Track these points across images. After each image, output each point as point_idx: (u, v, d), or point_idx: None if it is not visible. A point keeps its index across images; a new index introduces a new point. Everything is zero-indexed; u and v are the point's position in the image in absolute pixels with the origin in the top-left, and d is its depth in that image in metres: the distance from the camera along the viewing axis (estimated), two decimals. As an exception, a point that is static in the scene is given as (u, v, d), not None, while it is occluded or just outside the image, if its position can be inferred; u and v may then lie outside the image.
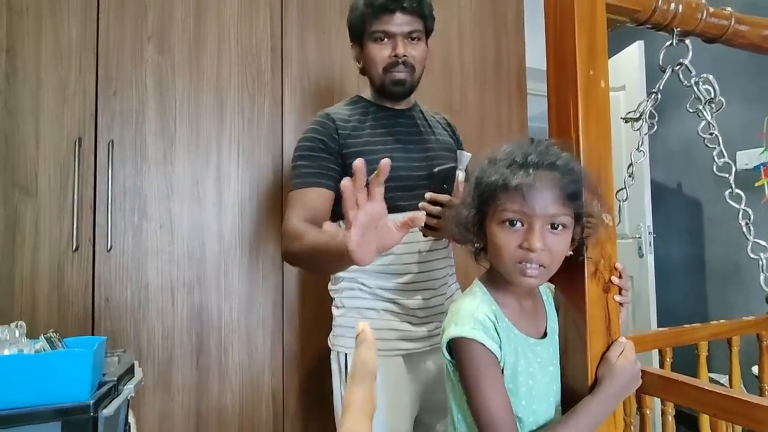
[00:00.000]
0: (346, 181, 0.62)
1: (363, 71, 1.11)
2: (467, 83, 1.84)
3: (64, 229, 1.29)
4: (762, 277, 0.84)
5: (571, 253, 0.69)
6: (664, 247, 2.64)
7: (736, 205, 0.80)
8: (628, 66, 2.41)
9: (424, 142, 1.10)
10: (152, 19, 1.41)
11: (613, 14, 0.78)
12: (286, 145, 1.54)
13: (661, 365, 1.07)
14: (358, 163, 0.62)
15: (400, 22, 1.02)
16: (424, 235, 0.96)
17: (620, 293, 0.73)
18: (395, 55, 1.03)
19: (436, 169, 0.92)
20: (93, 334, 1.31)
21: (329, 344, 1.09)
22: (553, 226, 0.64)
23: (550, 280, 0.72)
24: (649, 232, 2.38)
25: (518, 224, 0.64)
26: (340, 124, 1.05)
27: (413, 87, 1.09)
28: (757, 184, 0.78)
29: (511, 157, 0.66)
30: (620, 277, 0.73)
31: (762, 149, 0.86)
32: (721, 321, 1.09)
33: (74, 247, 1.29)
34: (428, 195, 0.91)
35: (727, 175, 0.80)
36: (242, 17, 1.51)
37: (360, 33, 1.07)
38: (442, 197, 0.90)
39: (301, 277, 1.53)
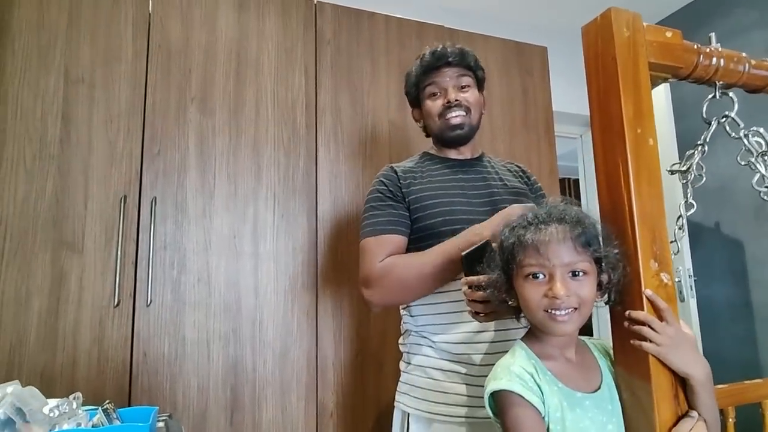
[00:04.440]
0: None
1: (425, 130, 1.17)
2: (496, 134, 1.86)
3: (107, 285, 1.32)
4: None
5: (599, 299, 0.71)
6: (706, 290, 2.52)
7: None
8: (654, 107, 2.40)
9: (488, 188, 1.10)
10: (195, 81, 1.49)
11: (655, 72, 0.78)
12: (320, 198, 1.56)
13: (724, 427, 0.99)
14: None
15: (448, 75, 1.10)
16: (479, 320, 0.90)
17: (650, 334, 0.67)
18: (448, 101, 1.09)
19: (464, 253, 0.86)
20: (130, 388, 1.31)
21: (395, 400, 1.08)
22: (575, 274, 0.68)
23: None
24: (690, 275, 2.29)
25: (541, 276, 0.68)
26: (402, 174, 1.10)
27: (472, 129, 1.12)
28: None
29: (525, 219, 0.72)
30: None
31: None
32: (785, 376, 1.02)
33: (116, 303, 1.32)
34: (463, 281, 0.86)
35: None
36: (279, 76, 1.58)
37: (416, 95, 1.15)
38: (480, 278, 0.83)
39: (336, 330, 1.52)
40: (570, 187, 5.21)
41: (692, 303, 2.28)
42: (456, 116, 1.09)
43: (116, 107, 1.40)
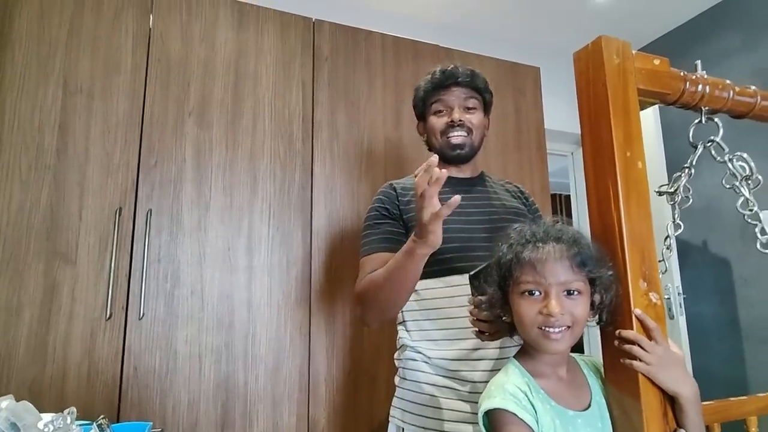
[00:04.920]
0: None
1: (428, 145, 1.18)
2: (489, 151, 1.89)
3: (99, 297, 1.31)
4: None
5: (591, 318, 0.72)
6: (695, 308, 2.55)
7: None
8: (644, 129, 2.45)
9: (487, 207, 1.11)
10: (193, 94, 1.50)
11: (644, 98, 0.81)
12: (315, 212, 1.58)
13: (710, 444, 1.00)
14: (434, 159, 0.78)
15: (456, 94, 1.12)
16: (482, 339, 0.91)
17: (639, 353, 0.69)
18: (452, 120, 1.11)
19: (471, 272, 0.85)
20: (120, 402, 1.30)
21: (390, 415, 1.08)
22: (569, 292, 0.69)
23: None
24: (679, 293, 2.32)
25: (536, 293, 0.69)
26: (400, 191, 1.11)
27: (473, 150, 1.14)
28: None
29: (522, 236, 0.73)
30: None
31: None
32: (770, 393, 1.04)
33: (108, 316, 1.31)
34: (469, 300, 0.87)
35: (771, 253, 0.80)
36: (276, 91, 1.61)
37: (423, 110, 1.17)
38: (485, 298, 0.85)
39: (328, 345, 1.52)
40: (561, 204, 5.28)
41: (681, 321, 2.30)
42: (458, 136, 1.11)
43: (114, 119, 1.41)
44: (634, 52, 0.79)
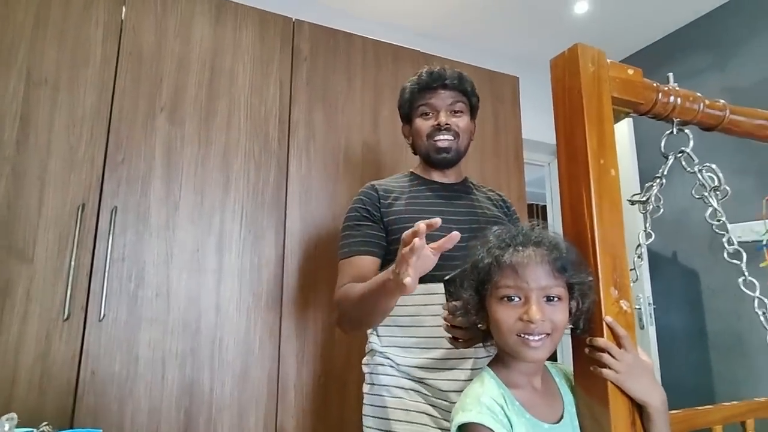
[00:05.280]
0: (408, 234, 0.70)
1: (413, 148, 1.16)
2: (468, 157, 1.88)
3: (57, 297, 1.25)
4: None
5: (572, 326, 0.71)
6: (665, 318, 2.61)
7: (750, 293, 0.80)
8: (618, 140, 2.51)
9: (469, 215, 1.09)
10: (166, 90, 1.46)
11: (618, 106, 0.82)
12: (289, 213, 1.54)
13: (677, 454, 1.01)
14: (422, 225, 0.69)
15: (443, 97, 1.10)
16: (456, 347, 0.87)
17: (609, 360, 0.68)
18: (438, 123, 1.08)
19: (447, 277, 0.82)
20: (74, 409, 1.23)
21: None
22: (549, 298, 0.67)
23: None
24: (650, 303, 2.36)
25: (516, 299, 0.67)
26: (382, 194, 1.08)
27: (459, 154, 1.12)
28: (762, 265, 0.78)
29: (501, 240, 0.70)
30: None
31: (764, 231, 0.89)
32: (734, 402, 1.05)
33: (65, 316, 1.24)
34: (445, 306, 0.83)
35: (738, 262, 0.81)
36: (253, 89, 1.57)
37: (409, 112, 1.14)
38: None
39: (299, 351, 1.48)
40: (538, 213, 5.35)
41: (651, 331, 2.34)
42: (444, 139, 1.09)
43: (80, 111, 1.35)
44: (609, 61, 0.80)
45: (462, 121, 1.11)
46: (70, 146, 1.32)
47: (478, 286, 0.71)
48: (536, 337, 0.65)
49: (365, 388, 1.07)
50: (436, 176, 1.14)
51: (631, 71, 0.83)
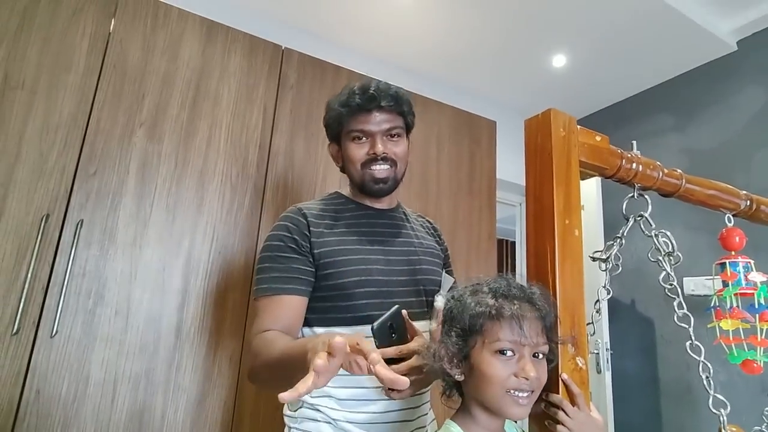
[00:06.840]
0: (320, 363, 0.54)
1: (345, 171, 1.04)
2: (442, 194, 1.95)
3: (8, 310, 1.19)
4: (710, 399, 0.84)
5: None
6: (620, 363, 2.69)
7: (696, 357, 0.84)
8: (586, 194, 2.62)
9: (406, 244, 1.01)
10: (147, 106, 1.45)
11: (584, 169, 0.87)
12: (262, 238, 1.53)
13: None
14: (339, 345, 0.54)
15: (378, 121, 0.97)
16: (392, 398, 0.81)
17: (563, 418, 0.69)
18: (374, 153, 0.97)
19: (374, 326, 0.76)
20: (13, 430, 1.16)
21: None
22: (535, 355, 0.67)
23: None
24: (607, 348, 2.44)
25: (509, 353, 0.65)
26: (312, 220, 0.95)
27: (396, 183, 1.02)
28: (709, 326, 0.83)
29: (495, 289, 0.68)
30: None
31: (713, 291, 0.96)
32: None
33: (14, 330, 1.19)
34: (379, 353, 0.65)
35: (686, 326, 0.86)
36: (236, 112, 1.58)
37: (337, 132, 1.02)
38: (402, 348, 0.77)
39: (259, 378, 1.45)
40: (507, 249, 5.49)
41: (607, 375, 2.41)
42: (381, 170, 0.98)
43: (56, 118, 1.32)
44: (579, 127, 0.86)
45: (399, 147, 1.00)
46: (41, 153, 1.29)
47: (466, 336, 0.67)
48: (525, 394, 0.64)
49: None
50: (369, 202, 1.03)
51: (598, 138, 0.89)
